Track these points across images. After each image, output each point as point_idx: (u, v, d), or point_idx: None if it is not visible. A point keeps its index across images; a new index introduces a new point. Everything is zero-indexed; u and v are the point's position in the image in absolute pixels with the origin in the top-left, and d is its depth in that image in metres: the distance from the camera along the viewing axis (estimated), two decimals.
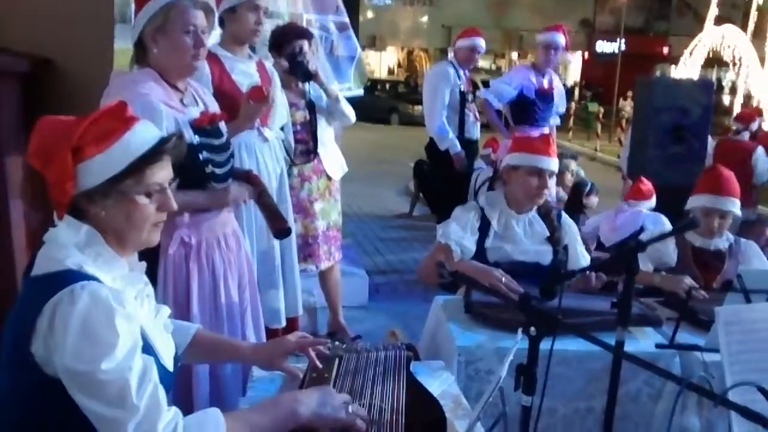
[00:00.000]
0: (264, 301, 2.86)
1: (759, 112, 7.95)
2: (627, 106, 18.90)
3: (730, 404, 1.39)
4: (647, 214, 4.73)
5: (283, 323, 3.14)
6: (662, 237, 2.41)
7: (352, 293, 4.79)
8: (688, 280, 2.62)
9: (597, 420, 2.28)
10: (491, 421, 1.58)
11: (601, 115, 18.65)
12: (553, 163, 2.81)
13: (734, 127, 6.79)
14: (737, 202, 2.81)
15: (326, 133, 3.85)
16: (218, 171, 2.42)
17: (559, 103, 5.38)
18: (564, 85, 5.86)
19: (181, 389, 2.30)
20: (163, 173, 1.44)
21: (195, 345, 1.76)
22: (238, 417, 1.42)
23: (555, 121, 5.48)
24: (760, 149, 6.57)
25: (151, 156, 1.40)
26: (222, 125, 2.52)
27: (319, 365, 1.81)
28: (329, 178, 3.89)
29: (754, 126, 7.05)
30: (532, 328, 1.67)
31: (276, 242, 3.12)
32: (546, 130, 5.03)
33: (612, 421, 1.88)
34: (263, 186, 2.60)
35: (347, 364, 1.90)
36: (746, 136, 6.82)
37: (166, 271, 2.37)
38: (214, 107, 2.56)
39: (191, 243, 2.41)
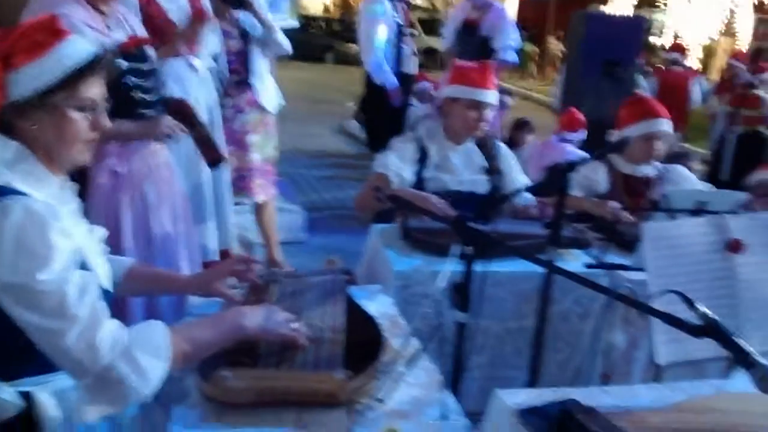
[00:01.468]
0: (197, 235, 2.82)
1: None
2: (558, 47, 19.04)
3: (654, 312, 1.46)
4: (572, 152, 4.85)
5: (216, 257, 3.11)
6: (593, 158, 2.47)
7: (288, 229, 4.78)
8: (615, 204, 2.70)
9: (528, 339, 2.36)
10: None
11: (536, 56, 18.80)
12: (491, 96, 2.81)
13: (671, 58, 7.18)
14: (670, 122, 2.90)
15: (261, 64, 3.75)
16: (147, 97, 2.34)
17: (502, 38, 5.29)
18: None
19: None
20: (96, 89, 1.40)
21: (130, 279, 1.71)
22: (181, 329, 1.41)
23: (508, 56, 5.35)
24: (696, 78, 7.05)
25: (86, 69, 1.35)
26: (149, 50, 2.42)
27: (258, 281, 1.81)
28: (264, 111, 3.81)
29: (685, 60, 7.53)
30: (468, 247, 1.71)
31: (208, 175, 3.07)
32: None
33: (543, 334, 1.96)
34: (195, 115, 2.53)
35: (286, 288, 1.90)
36: (683, 64, 7.35)
37: (96, 202, 2.31)
38: (141, 32, 2.46)
39: (121, 173, 2.35)
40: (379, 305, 1.97)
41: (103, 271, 1.48)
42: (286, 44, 3.80)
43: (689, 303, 1.38)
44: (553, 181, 1.98)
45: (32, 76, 1.31)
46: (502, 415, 1.45)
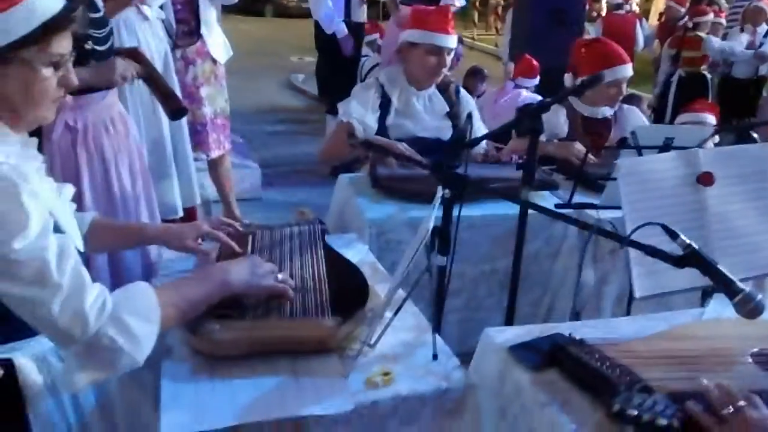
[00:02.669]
0: (157, 191, 2.74)
1: None
2: None
3: (635, 244, 1.49)
4: (527, 96, 4.86)
5: (180, 213, 3.03)
6: (565, 95, 2.47)
7: (245, 186, 4.70)
8: (579, 146, 2.73)
9: (500, 281, 2.40)
10: (409, 287, 1.60)
11: (478, 3, 18.66)
12: (451, 41, 2.78)
13: (614, 3, 7.22)
14: (630, 65, 2.92)
15: (209, 13, 3.61)
16: (99, 48, 2.24)
17: None
18: None
19: None
20: (66, 43, 1.29)
21: (94, 233, 1.64)
22: (167, 289, 1.36)
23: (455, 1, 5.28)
24: (638, 22, 7.18)
25: (60, 21, 1.25)
26: None
27: (238, 249, 1.76)
28: (214, 62, 3.68)
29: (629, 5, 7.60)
30: (447, 191, 1.70)
31: (167, 130, 2.97)
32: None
33: (519, 275, 1.98)
34: (151, 64, 2.43)
35: (261, 240, 1.87)
36: (627, 8, 7.42)
37: (53, 159, 2.21)
38: None
39: (77, 127, 2.25)
40: (356, 253, 1.96)
41: (75, 230, 1.41)
42: None
43: (672, 234, 1.41)
44: (524, 122, 1.97)
45: (3, 28, 1.20)
46: (493, 353, 1.47)
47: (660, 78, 7.23)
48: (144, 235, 1.76)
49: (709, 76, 6.84)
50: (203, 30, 3.54)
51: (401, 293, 1.60)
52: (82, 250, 1.40)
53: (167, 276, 1.78)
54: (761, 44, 6.70)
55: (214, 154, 3.79)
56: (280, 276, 1.52)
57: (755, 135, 2.38)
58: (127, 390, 1.47)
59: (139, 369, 1.32)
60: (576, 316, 2.44)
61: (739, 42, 6.73)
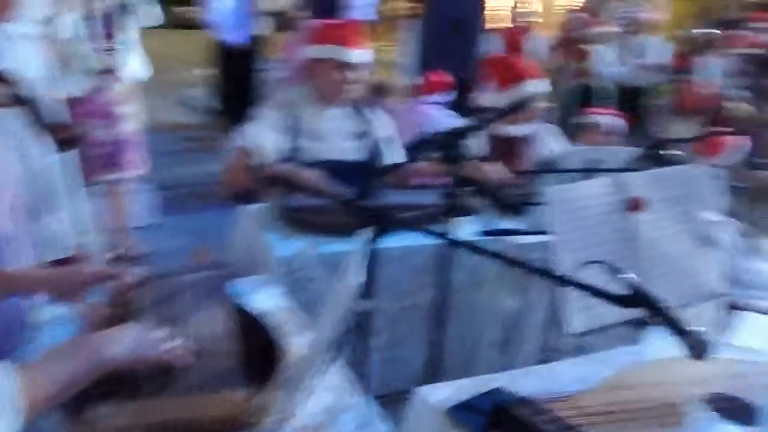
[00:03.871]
0: (42, 229, 2.43)
1: None
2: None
3: (574, 284, 1.36)
4: (444, 116, 4.75)
5: (69, 252, 2.72)
6: (490, 120, 2.36)
7: (142, 211, 4.35)
8: (497, 167, 2.62)
9: (422, 316, 2.24)
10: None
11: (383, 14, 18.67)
12: (360, 55, 2.61)
13: (515, 13, 7.33)
14: (542, 81, 2.86)
15: (129, 30, 3.41)
16: None
17: None
18: None
19: None
20: None
21: None
22: (31, 368, 1.10)
23: (366, 14, 5.15)
24: (536, 33, 7.32)
25: None
26: None
27: (127, 294, 1.51)
28: (133, 80, 3.46)
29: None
30: (366, 228, 1.53)
31: (52, 159, 2.66)
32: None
33: (444, 309, 1.84)
34: (25, 90, 2.12)
35: (157, 292, 1.63)
36: (528, 19, 7.54)
37: None
38: None
39: None
40: (268, 298, 1.75)
41: None
42: (157, 12, 3.51)
43: (615, 273, 1.29)
44: (445, 147, 1.83)
45: None
46: (429, 416, 1.31)
47: (558, 89, 7.34)
48: (12, 283, 1.48)
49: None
50: (122, 47, 3.35)
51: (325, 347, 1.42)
52: None
53: (43, 344, 1.52)
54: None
55: (131, 174, 3.56)
56: (172, 343, 1.28)
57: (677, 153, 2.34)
58: None
59: None
60: (506, 346, 2.33)
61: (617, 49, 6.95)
